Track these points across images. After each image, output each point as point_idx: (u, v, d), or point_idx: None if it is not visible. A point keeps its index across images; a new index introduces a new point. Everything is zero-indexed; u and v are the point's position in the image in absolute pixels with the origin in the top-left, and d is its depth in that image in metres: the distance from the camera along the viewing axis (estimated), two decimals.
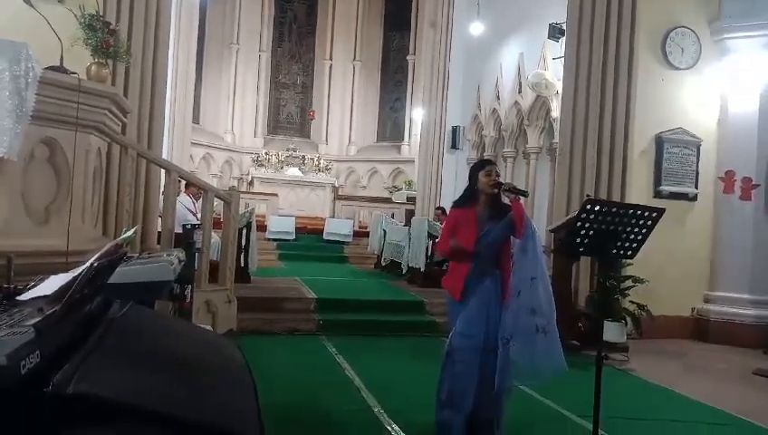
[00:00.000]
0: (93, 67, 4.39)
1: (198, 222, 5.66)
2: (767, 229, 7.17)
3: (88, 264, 1.46)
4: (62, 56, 3.77)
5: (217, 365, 1.56)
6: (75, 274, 1.42)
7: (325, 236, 12.85)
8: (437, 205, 11.07)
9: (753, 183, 7.11)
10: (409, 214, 12.94)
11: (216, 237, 6.17)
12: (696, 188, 7.26)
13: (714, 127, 7.35)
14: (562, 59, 7.36)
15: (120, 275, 2.44)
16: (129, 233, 1.79)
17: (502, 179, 3.50)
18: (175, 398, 1.26)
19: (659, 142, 7.13)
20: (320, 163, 17.89)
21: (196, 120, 15.89)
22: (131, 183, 5.38)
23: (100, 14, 4.75)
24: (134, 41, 5.60)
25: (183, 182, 7.06)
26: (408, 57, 18.37)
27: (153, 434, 1.17)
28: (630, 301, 6.14)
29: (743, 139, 7.15)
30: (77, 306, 1.41)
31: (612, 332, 5.61)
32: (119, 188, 5.31)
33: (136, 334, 1.55)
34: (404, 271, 9.39)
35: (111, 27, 4.61)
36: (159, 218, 5.90)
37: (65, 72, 3.68)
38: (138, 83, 5.74)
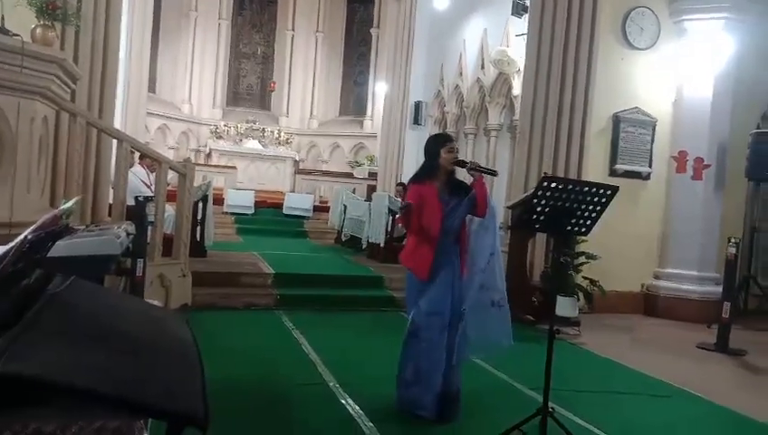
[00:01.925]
0: (39, 30, 4.18)
1: (152, 194, 5.51)
2: (716, 209, 7.41)
3: (22, 236, 1.39)
4: (2, 16, 3.57)
5: (162, 342, 1.52)
6: (8, 247, 1.34)
7: (285, 211, 12.73)
8: (399, 181, 11.07)
9: (705, 163, 7.31)
10: (371, 189, 12.92)
11: (171, 210, 6.03)
12: (650, 167, 7.42)
13: (669, 107, 7.50)
14: (525, 36, 7.37)
15: (63, 247, 2.35)
16: (68, 204, 1.70)
17: (461, 156, 3.51)
18: (115, 377, 1.21)
19: (616, 121, 7.25)
20: (280, 136, 17.61)
21: (152, 89, 15.39)
22: (81, 153, 5.19)
23: None
24: (84, 3, 5.34)
25: (138, 153, 6.86)
26: (371, 30, 18.12)
27: (91, 415, 1.12)
28: (583, 276, 6.28)
29: (696, 120, 7.32)
30: (11, 281, 1.34)
31: (565, 306, 5.74)
32: (67, 157, 5.11)
33: (76, 310, 1.49)
34: (364, 246, 9.39)
35: None
36: (112, 190, 5.73)
37: (6, 33, 3.49)
38: (88, 49, 5.49)
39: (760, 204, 7.97)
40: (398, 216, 7.73)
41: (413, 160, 11.13)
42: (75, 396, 1.12)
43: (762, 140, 7.08)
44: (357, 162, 17.12)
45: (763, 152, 7.01)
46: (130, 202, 5.10)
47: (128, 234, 2.77)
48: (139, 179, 6.82)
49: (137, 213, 4.47)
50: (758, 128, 7.71)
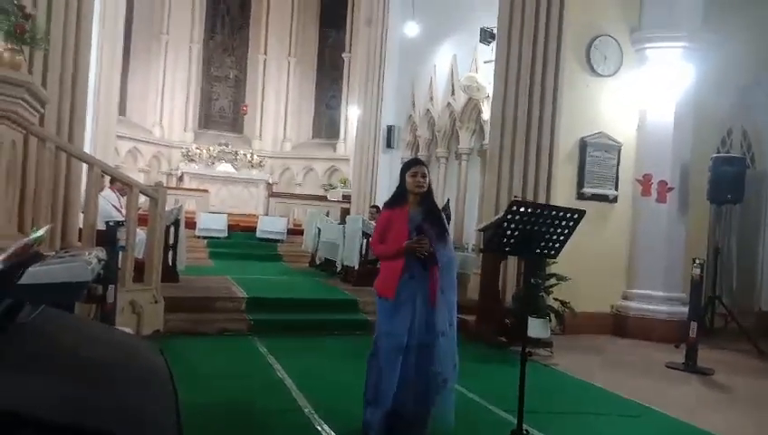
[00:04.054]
0: (6, 54, 4.16)
1: (123, 219, 5.45)
2: (681, 231, 7.61)
3: None
4: None
5: (135, 371, 1.51)
6: None
7: (258, 235, 12.66)
8: (372, 203, 11.13)
9: (669, 186, 7.52)
10: (344, 212, 12.93)
11: (142, 235, 5.96)
12: (617, 190, 7.60)
13: (633, 132, 7.71)
14: (493, 62, 7.55)
15: (33, 275, 2.31)
16: (39, 232, 1.69)
17: (429, 180, 3.52)
18: (86, 407, 1.21)
19: (583, 146, 7.43)
20: (253, 159, 17.58)
21: (122, 112, 15.26)
22: (50, 177, 5.12)
23: None
24: (53, 26, 5.31)
25: (108, 177, 6.77)
26: (343, 54, 18.32)
27: None
28: (554, 298, 6.36)
29: (659, 144, 7.54)
30: None
31: (537, 328, 5.81)
32: (36, 182, 5.03)
33: (45, 341, 1.47)
34: (338, 269, 9.37)
35: (27, 11, 4.37)
36: (82, 214, 5.64)
37: None
38: (57, 72, 5.45)
39: (722, 225, 8.22)
40: (371, 239, 7.75)
41: (386, 183, 11.23)
42: (45, 427, 1.11)
43: (722, 164, 7.33)
44: (330, 185, 17.15)
45: (724, 176, 7.26)
46: (101, 227, 5.04)
47: (99, 260, 2.73)
48: (110, 204, 6.73)
49: (108, 238, 4.42)
50: (718, 152, 8.00)
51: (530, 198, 6.77)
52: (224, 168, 16.94)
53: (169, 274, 6.84)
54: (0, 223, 4.10)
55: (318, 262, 10.60)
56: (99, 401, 1.25)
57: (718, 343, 7.04)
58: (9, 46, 4.18)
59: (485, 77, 8.71)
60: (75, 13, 5.54)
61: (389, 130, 11.97)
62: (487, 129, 8.46)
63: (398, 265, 3.39)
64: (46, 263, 2.55)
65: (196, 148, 17.14)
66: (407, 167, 3.56)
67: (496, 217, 6.41)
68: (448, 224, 3.78)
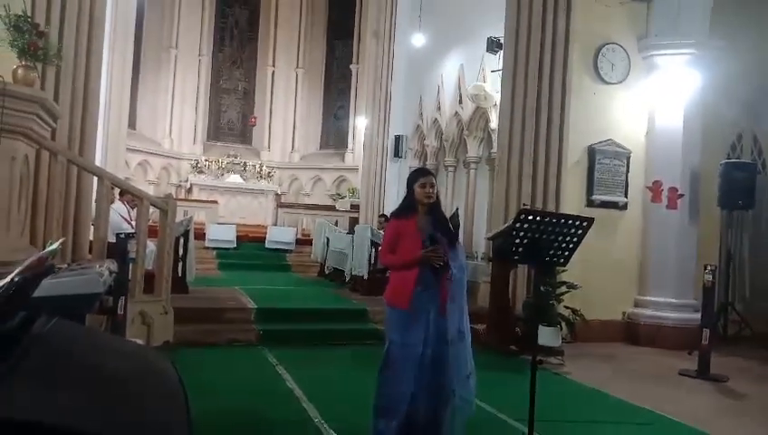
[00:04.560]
0: (20, 70, 4.22)
1: (133, 231, 5.49)
2: (692, 237, 7.57)
3: (8, 279, 1.40)
4: None
5: (151, 383, 1.52)
6: None
7: (267, 245, 12.69)
8: (381, 213, 11.14)
9: (679, 193, 7.48)
10: (353, 222, 12.94)
11: (152, 246, 6.00)
12: (626, 197, 7.58)
13: (642, 139, 7.70)
14: (500, 72, 7.57)
15: (46, 287, 2.34)
16: (54, 246, 1.72)
17: (437, 189, 3.52)
18: (100, 417, 1.22)
19: (591, 153, 7.42)
20: (262, 170, 17.66)
21: (132, 125, 15.38)
22: (62, 191, 5.18)
23: (28, 14, 4.56)
24: (66, 43, 5.38)
25: (118, 189, 6.84)
26: (351, 66, 18.42)
27: None
28: (565, 306, 6.34)
29: (669, 151, 7.52)
30: None
31: (548, 336, 5.78)
32: (48, 195, 5.09)
33: (59, 352, 1.49)
34: (347, 279, 9.38)
35: (40, 29, 4.44)
36: (93, 227, 5.69)
37: None
38: (69, 87, 5.52)
39: (734, 231, 8.16)
40: (380, 249, 7.75)
41: (394, 192, 11.25)
42: None
43: (732, 170, 7.30)
44: (339, 195, 17.18)
45: (734, 181, 7.23)
46: (111, 239, 5.08)
47: (110, 272, 2.76)
48: (120, 216, 6.79)
49: (118, 250, 4.45)
50: (728, 158, 7.96)
51: (539, 206, 6.76)
52: (233, 179, 17.04)
53: (179, 285, 6.88)
54: (12, 236, 4.14)
55: (327, 272, 10.61)
56: (120, 414, 1.26)
57: (732, 349, 6.97)
58: (23, 63, 4.25)
59: (493, 86, 8.73)
60: (87, 29, 5.62)
61: (397, 139, 12.01)
62: (495, 137, 8.46)
63: (411, 275, 3.37)
64: (60, 275, 2.59)
65: (206, 160, 17.26)
66: (415, 177, 3.56)
67: (505, 225, 6.40)
68: (457, 233, 3.76)
